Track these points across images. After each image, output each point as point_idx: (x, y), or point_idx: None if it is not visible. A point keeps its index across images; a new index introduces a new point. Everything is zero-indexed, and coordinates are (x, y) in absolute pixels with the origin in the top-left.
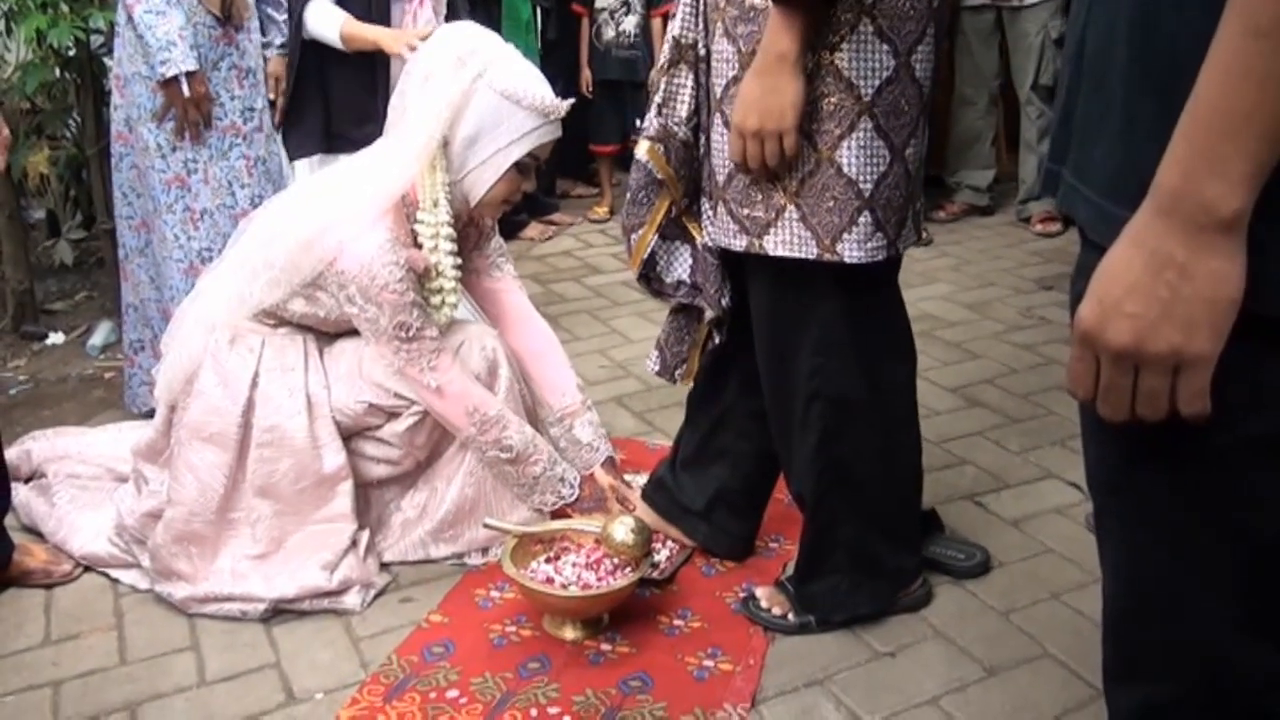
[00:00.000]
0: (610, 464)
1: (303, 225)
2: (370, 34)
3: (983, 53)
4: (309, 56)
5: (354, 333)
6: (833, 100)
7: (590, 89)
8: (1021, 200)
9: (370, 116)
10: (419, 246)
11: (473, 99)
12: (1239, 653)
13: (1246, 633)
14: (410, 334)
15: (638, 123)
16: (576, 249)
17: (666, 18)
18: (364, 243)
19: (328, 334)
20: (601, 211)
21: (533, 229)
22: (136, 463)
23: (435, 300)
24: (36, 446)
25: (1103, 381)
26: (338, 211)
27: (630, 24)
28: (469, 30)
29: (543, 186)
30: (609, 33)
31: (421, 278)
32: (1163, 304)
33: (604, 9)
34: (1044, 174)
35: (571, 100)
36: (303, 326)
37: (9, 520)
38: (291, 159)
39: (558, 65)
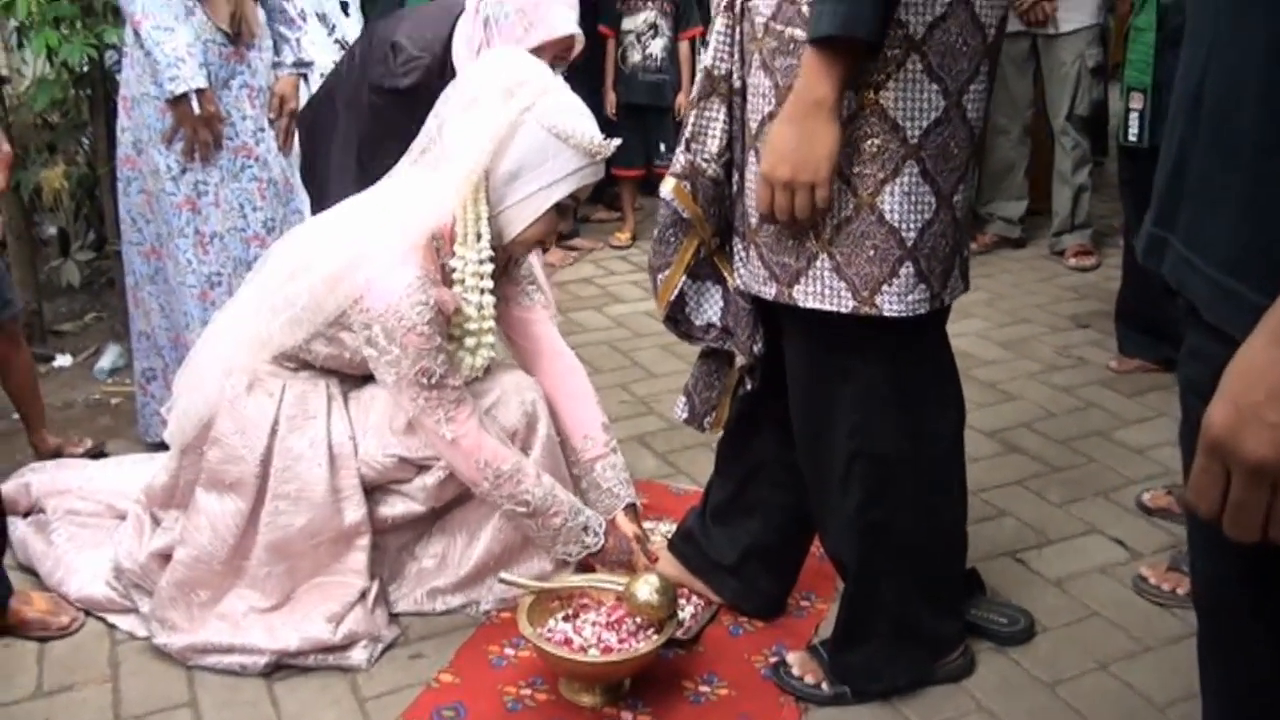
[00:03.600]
0: (632, 511)
1: (328, 260)
2: None
3: (1017, 81)
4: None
5: None
6: (876, 142)
7: (615, 112)
8: (1055, 232)
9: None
10: (451, 284)
11: (518, 133)
12: None
13: None
14: (432, 381)
15: (662, 147)
16: (598, 276)
17: (694, 41)
18: (393, 280)
19: (353, 378)
20: (624, 237)
21: (553, 254)
22: (149, 508)
23: (470, 343)
24: (36, 479)
25: (1233, 497)
26: (366, 246)
27: (657, 47)
28: (518, 58)
29: None
30: (635, 56)
31: (450, 318)
32: None
33: (631, 32)
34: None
35: (618, 141)
36: (326, 370)
37: (6, 559)
38: None
39: (582, 87)
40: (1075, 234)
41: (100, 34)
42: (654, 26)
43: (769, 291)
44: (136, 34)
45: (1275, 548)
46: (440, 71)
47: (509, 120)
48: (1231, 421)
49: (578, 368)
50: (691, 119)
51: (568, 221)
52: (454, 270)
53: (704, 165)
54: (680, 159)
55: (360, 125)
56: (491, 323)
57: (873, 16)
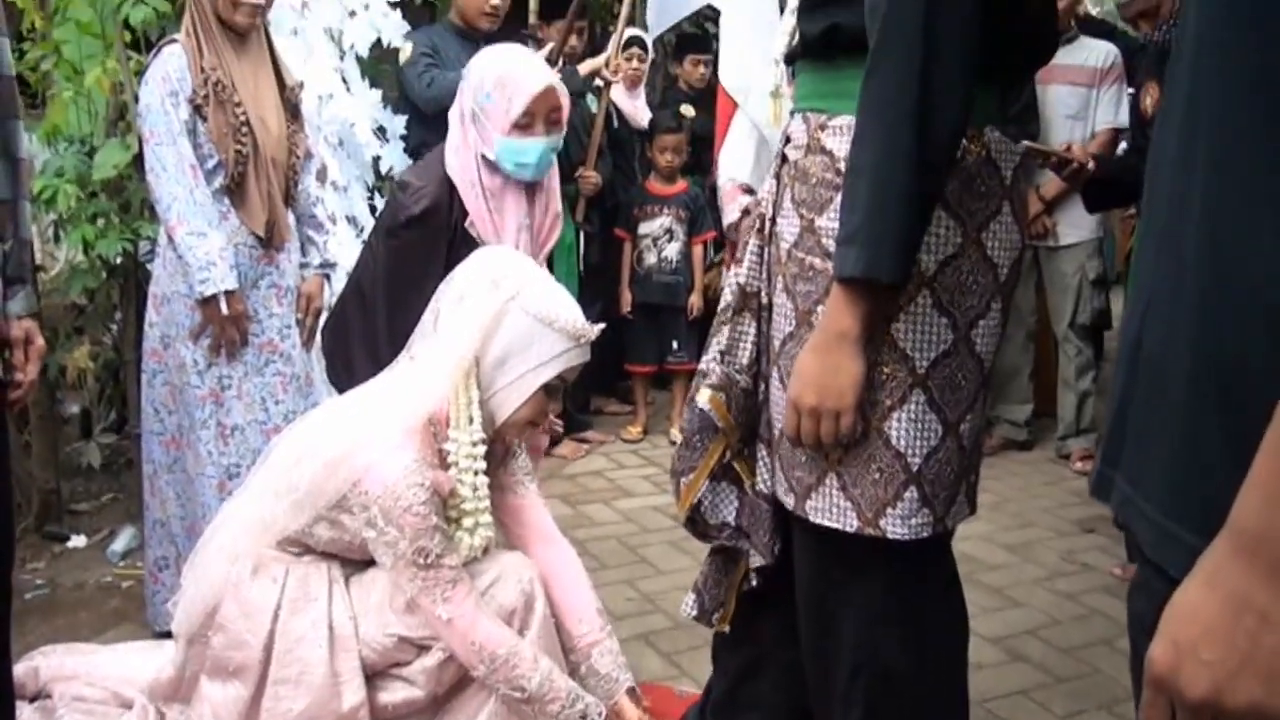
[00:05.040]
0: (632, 695)
1: (328, 447)
2: None
3: (1021, 290)
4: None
5: None
6: (885, 370)
7: (630, 311)
8: (1060, 436)
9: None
10: (446, 467)
11: (504, 320)
12: None
13: None
14: (428, 560)
15: (674, 345)
16: (608, 469)
17: (706, 245)
18: (391, 464)
19: (355, 561)
20: (635, 432)
21: (565, 447)
22: (154, 702)
23: (468, 523)
24: (45, 663)
25: None
26: (365, 433)
27: (672, 251)
28: (504, 254)
29: (577, 403)
30: (650, 259)
31: (446, 501)
32: (1242, 654)
33: (647, 236)
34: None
35: (602, 325)
36: (328, 554)
37: None
38: None
39: (598, 287)
40: (1080, 438)
41: (137, 230)
42: (669, 231)
43: (789, 502)
44: (171, 238)
45: None
46: (449, 197)
47: (495, 309)
48: (1170, 660)
49: (571, 554)
50: (725, 333)
51: (556, 403)
52: (449, 453)
53: (737, 377)
54: (716, 371)
55: (382, 281)
56: (487, 503)
57: (894, 261)
